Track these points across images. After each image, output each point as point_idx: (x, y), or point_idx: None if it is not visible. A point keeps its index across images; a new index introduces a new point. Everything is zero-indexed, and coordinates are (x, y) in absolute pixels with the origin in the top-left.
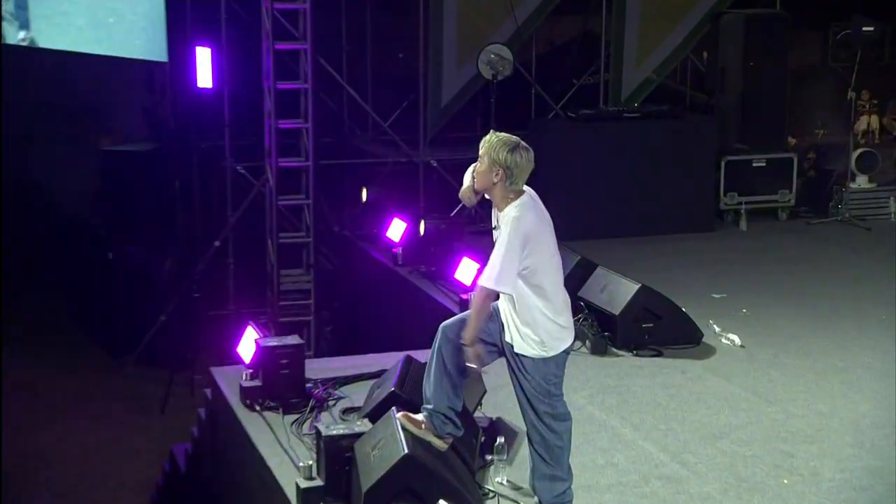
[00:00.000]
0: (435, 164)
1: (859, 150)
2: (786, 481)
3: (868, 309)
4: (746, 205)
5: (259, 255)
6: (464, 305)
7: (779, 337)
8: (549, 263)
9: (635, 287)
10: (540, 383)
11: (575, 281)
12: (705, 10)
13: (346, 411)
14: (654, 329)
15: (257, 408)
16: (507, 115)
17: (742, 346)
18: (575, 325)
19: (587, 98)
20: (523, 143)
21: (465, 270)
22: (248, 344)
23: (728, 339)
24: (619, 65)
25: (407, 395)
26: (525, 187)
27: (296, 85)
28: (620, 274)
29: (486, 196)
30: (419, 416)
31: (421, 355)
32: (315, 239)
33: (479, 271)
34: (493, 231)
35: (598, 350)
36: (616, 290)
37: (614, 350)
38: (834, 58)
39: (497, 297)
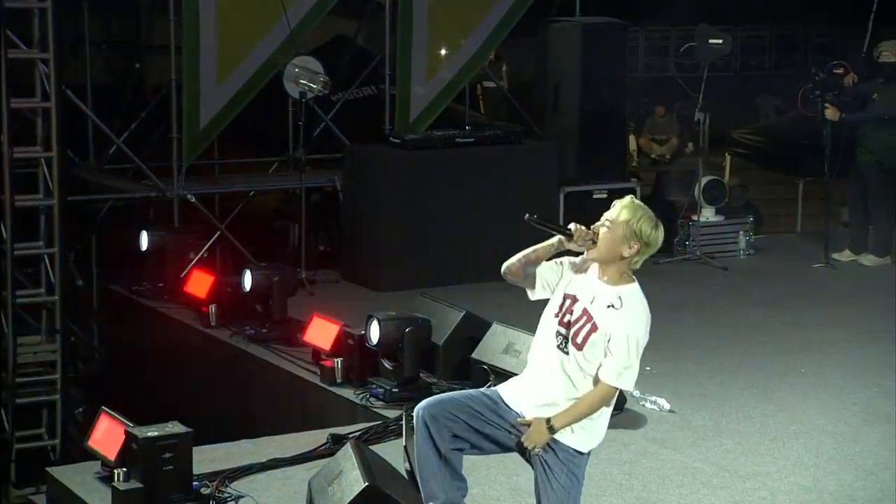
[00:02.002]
0: (192, 199)
1: (707, 179)
2: None
3: (783, 360)
4: None
5: None
6: (327, 373)
7: (706, 399)
8: None
9: None
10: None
11: (461, 342)
12: (500, 16)
13: None
14: None
15: None
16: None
17: (672, 410)
18: None
19: (353, 115)
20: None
21: (319, 332)
22: (109, 435)
23: (653, 403)
24: (406, 79)
25: (384, 487)
26: None
27: (34, 103)
28: (527, 331)
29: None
30: None
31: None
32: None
33: (340, 332)
34: (570, 297)
35: None
36: (526, 351)
37: None
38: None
39: None
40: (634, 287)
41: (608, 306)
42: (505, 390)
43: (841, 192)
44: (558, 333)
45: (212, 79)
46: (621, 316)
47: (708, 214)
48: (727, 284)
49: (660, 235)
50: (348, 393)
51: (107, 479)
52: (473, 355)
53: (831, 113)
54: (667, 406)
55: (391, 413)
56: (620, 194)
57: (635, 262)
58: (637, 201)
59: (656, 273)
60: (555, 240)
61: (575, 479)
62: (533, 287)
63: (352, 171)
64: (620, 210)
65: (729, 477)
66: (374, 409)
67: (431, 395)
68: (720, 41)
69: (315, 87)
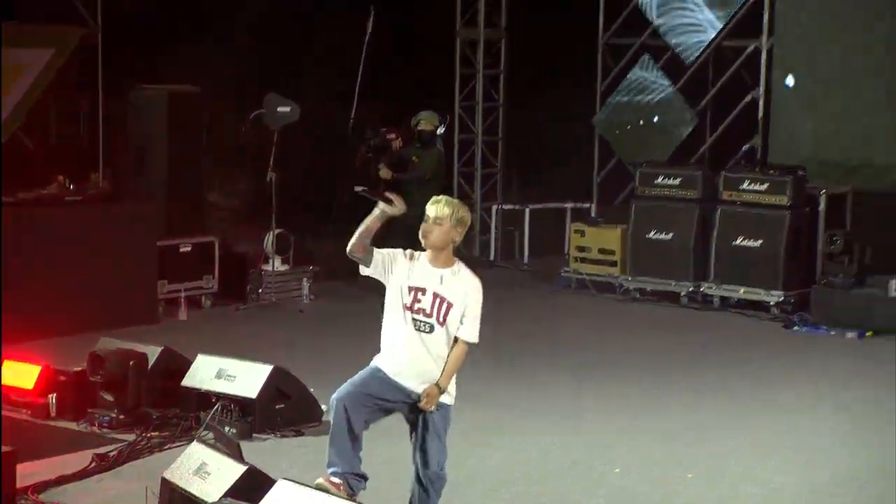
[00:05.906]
0: None
1: (278, 231)
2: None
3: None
4: (183, 292)
5: None
6: (40, 410)
7: None
8: None
9: (268, 368)
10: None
11: (160, 373)
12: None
13: None
14: (286, 409)
15: None
16: None
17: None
18: (213, 419)
19: None
20: None
21: (16, 373)
22: None
23: None
24: None
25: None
26: None
27: None
28: (236, 357)
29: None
30: (336, 480)
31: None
32: None
33: (48, 371)
34: (416, 290)
35: (244, 436)
36: (243, 374)
37: (256, 435)
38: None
39: None
40: (460, 263)
41: (452, 284)
42: (389, 369)
43: None
44: (416, 321)
45: None
46: (464, 287)
47: (276, 263)
48: (311, 327)
49: (470, 215)
50: (70, 425)
51: None
52: (184, 383)
53: (384, 172)
54: None
55: (124, 437)
56: (203, 248)
57: (459, 242)
58: (447, 197)
59: (237, 318)
60: (377, 211)
61: (448, 428)
62: (368, 265)
63: None
64: (442, 208)
65: None
66: (108, 436)
67: (151, 419)
68: (288, 108)
69: None
